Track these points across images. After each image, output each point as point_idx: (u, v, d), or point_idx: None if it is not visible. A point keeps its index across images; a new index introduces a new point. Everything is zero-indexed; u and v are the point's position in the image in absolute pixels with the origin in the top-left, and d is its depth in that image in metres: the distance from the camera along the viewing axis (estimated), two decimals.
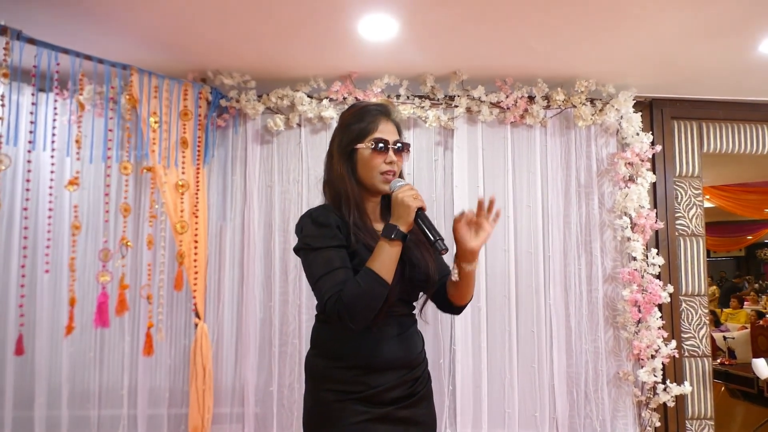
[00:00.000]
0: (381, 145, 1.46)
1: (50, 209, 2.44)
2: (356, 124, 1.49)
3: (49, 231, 2.47)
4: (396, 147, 1.49)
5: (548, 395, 3.00)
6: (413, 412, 1.48)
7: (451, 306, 1.61)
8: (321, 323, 1.53)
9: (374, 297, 1.33)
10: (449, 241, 1.38)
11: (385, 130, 1.48)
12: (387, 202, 1.55)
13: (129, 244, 2.63)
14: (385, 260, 1.34)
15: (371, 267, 1.34)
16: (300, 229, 1.45)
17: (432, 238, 1.36)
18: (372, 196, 1.53)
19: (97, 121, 2.72)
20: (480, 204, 1.41)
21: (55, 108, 2.38)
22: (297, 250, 1.46)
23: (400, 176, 1.54)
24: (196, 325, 2.77)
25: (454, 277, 1.47)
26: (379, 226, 1.52)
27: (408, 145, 1.54)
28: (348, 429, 1.40)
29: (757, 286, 10.69)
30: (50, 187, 2.41)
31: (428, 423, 1.53)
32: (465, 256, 1.43)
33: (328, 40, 2.58)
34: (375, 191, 1.50)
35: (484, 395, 2.96)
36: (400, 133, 1.54)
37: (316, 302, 1.47)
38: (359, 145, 1.47)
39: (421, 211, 1.38)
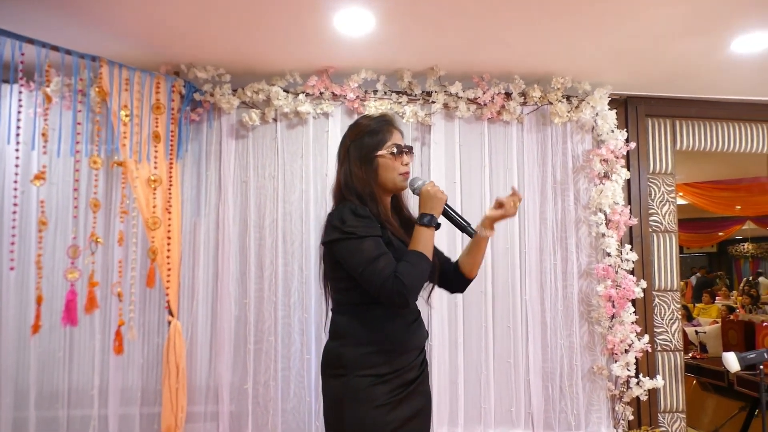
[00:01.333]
0: (399, 149, 1.67)
1: (15, 204, 2.36)
2: (372, 135, 1.68)
3: (14, 227, 2.38)
4: (406, 150, 1.70)
5: (524, 390, 3.02)
6: (422, 389, 1.68)
7: (460, 280, 1.82)
8: (346, 315, 1.64)
9: (424, 273, 1.55)
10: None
11: (398, 139, 1.70)
12: (394, 202, 1.77)
13: (99, 240, 2.57)
14: (427, 243, 1.56)
15: (417, 249, 1.55)
16: (341, 219, 1.56)
17: (464, 223, 1.65)
18: (386, 196, 1.71)
19: (65, 113, 2.65)
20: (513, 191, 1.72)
21: (20, 100, 2.31)
22: (333, 241, 1.58)
23: None
24: (170, 322, 2.72)
25: (482, 233, 1.73)
26: (393, 222, 1.72)
27: (412, 147, 1.76)
28: (377, 411, 1.54)
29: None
30: (15, 182, 2.34)
31: (430, 397, 1.73)
32: (487, 222, 1.72)
33: (304, 33, 2.54)
34: (393, 190, 1.70)
35: (461, 391, 2.96)
36: (403, 138, 1.76)
37: (322, 296, 1.63)
38: (380, 152, 1.66)
39: (446, 202, 1.63)
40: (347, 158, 1.69)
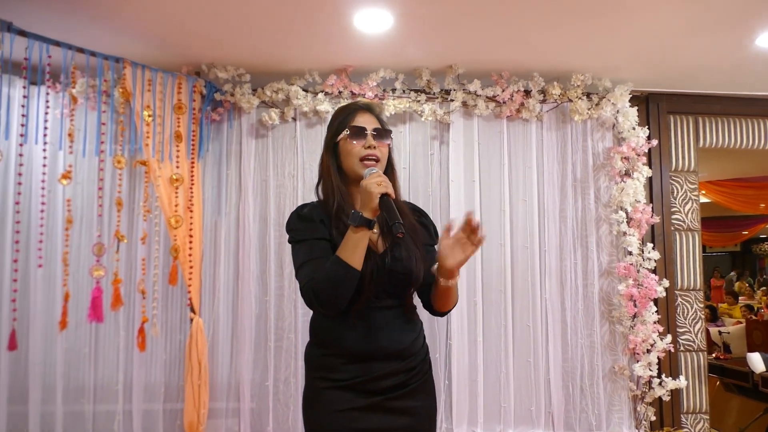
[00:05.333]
0: (356, 130, 1.53)
1: (43, 203, 2.42)
2: (337, 120, 1.59)
3: (41, 225, 2.44)
4: (373, 133, 1.54)
5: (544, 390, 3.00)
6: (407, 402, 1.51)
7: (432, 310, 1.64)
8: (314, 315, 1.60)
9: (341, 282, 1.38)
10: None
11: (362, 120, 1.55)
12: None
13: (123, 238, 2.62)
14: (350, 247, 1.38)
15: (338, 254, 1.39)
16: (287, 224, 1.56)
17: (389, 222, 1.36)
18: (356, 188, 1.54)
19: (90, 114, 2.70)
20: (469, 221, 1.41)
21: (47, 101, 2.36)
22: (289, 244, 1.57)
23: (389, 165, 1.60)
24: (192, 319, 2.76)
25: (444, 282, 1.49)
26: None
27: (387, 131, 1.58)
28: (334, 416, 1.46)
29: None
30: (42, 181, 2.39)
31: (424, 415, 1.56)
32: (443, 272, 1.47)
33: (323, 33, 2.56)
34: (356, 179, 1.52)
35: (480, 390, 2.96)
36: (381, 123, 1.59)
37: None
38: (339, 137, 1.55)
39: (385, 197, 1.38)
40: (323, 149, 1.63)
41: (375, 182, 1.39)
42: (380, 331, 1.50)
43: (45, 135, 2.33)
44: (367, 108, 1.59)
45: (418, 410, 1.53)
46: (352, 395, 1.47)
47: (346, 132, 1.53)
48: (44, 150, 2.35)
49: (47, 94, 2.40)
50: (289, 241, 1.55)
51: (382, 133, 1.56)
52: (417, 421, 1.53)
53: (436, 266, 1.51)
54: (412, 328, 1.59)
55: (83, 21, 2.39)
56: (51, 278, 2.84)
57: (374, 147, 1.52)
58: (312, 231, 1.48)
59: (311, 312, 1.54)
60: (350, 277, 1.38)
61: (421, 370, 1.56)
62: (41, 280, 2.82)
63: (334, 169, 1.55)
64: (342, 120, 1.56)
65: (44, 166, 2.38)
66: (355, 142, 1.52)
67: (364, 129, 1.53)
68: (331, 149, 1.57)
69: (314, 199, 1.61)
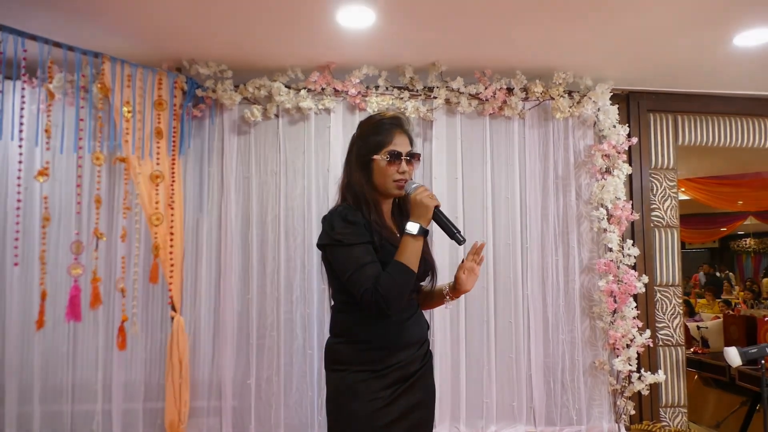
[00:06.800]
0: (395, 156, 1.63)
1: (19, 200, 2.37)
2: (373, 136, 1.66)
3: (17, 223, 2.39)
4: (407, 158, 1.66)
5: (525, 385, 3.03)
6: (423, 382, 1.70)
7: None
8: (343, 313, 1.68)
9: (406, 285, 1.55)
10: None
11: (399, 142, 1.65)
12: (397, 203, 1.77)
13: (102, 236, 2.58)
14: (412, 253, 1.55)
15: (400, 260, 1.54)
16: (331, 226, 1.60)
17: (452, 230, 1.59)
18: (385, 199, 1.71)
19: (67, 110, 2.65)
20: (477, 248, 1.69)
21: (23, 96, 2.31)
22: (325, 246, 1.63)
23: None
24: (173, 318, 2.73)
25: (447, 303, 1.80)
26: (392, 225, 1.74)
27: (418, 155, 1.72)
28: (375, 403, 1.58)
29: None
30: (18, 178, 2.35)
31: (432, 389, 1.77)
32: (459, 293, 1.74)
33: (306, 29, 2.54)
34: (388, 196, 1.69)
35: (463, 386, 2.97)
36: (411, 143, 1.71)
37: (326, 294, 1.66)
38: (375, 156, 1.64)
39: (437, 208, 1.58)
40: (351, 156, 1.71)
41: (427, 196, 1.57)
42: (409, 321, 1.68)
43: (21, 131, 2.28)
44: (403, 127, 1.68)
45: (428, 386, 1.73)
46: (387, 382, 1.60)
47: (385, 157, 1.63)
48: (20, 146, 2.31)
49: (23, 89, 2.34)
50: (333, 244, 1.58)
51: (414, 156, 1.68)
52: (429, 395, 1.73)
53: (447, 285, 1.76)
54: (423, 315, 1.79)
55: (60, 15, 2.35)
56: (28, 277, 2.79)
57: (407, 171, 1.65)
58: (361, 235, 1.57)
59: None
60: (412, 279, 1.56)
61: (429, 352, 1.77)
62: (17, 279, 2.77)
63: (367, 181, 1.66)
64: (381, 140, 1.64)
65: (20, 162, 2.34)
66: (392, 166, 1.63)
67: (401, 154, 1.64)
68: (364, 163, 1.66)
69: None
